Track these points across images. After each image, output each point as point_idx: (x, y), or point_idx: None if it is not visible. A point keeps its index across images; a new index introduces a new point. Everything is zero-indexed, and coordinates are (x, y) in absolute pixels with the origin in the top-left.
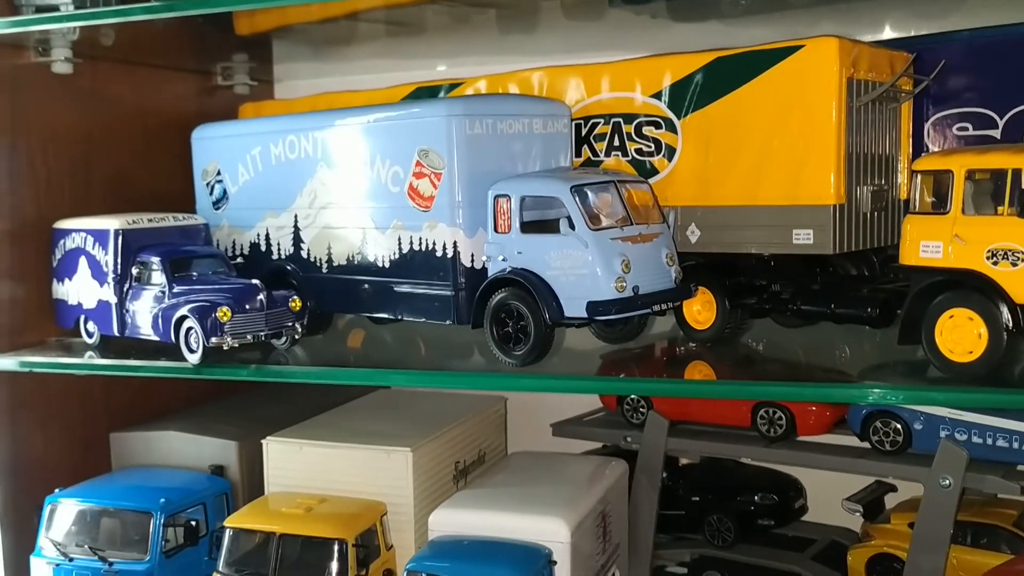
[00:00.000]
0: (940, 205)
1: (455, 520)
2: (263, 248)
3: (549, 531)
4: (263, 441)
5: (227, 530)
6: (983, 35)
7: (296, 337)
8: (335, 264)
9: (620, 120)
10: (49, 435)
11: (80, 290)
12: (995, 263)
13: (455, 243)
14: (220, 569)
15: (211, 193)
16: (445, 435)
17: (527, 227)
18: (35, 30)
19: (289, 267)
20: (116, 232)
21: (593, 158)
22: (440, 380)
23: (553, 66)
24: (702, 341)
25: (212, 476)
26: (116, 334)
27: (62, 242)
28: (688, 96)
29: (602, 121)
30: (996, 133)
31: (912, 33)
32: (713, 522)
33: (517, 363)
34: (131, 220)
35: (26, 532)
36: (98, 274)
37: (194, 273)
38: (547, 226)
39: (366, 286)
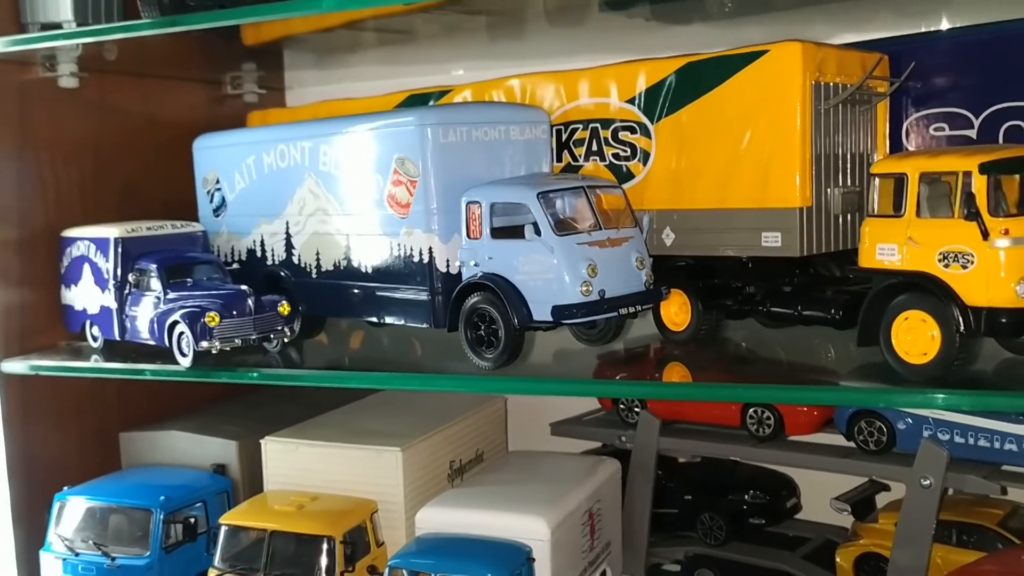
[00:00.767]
0: (897, 208)
1: (441, 518)
2: (258, 254)
3: (529, 529)
4: (261, 441)
5: (223, 527)
6: (958, 35)
7: (285, 340)
8: (324, 270)
9: (598, 125)
10: (62, 435)
11: (85, 296)
12: (946, 266)
13: (430, 249)
14: (216, 564)
15: (211, 201)
16: (439, 434)
17: (497, 233)
18: (39, 47)
19: (282, 273)
20: (116, 240)
21: (573, 163)
22: (417, 382)
23: (532, 73)
24: (678, 343)
25: (214, 475)
26: (117, 338)
27: (68, 250)
28: (661, 101)
29: (581, 126)
30: (972, 133)
31: (907, 32)
32: (705, 520)
33: (489, 366)
34: (130, 228)
35: (38, 528)
36: (100, 280)
37: (189, 279)
38: (516, 232)
39: (352, 291)
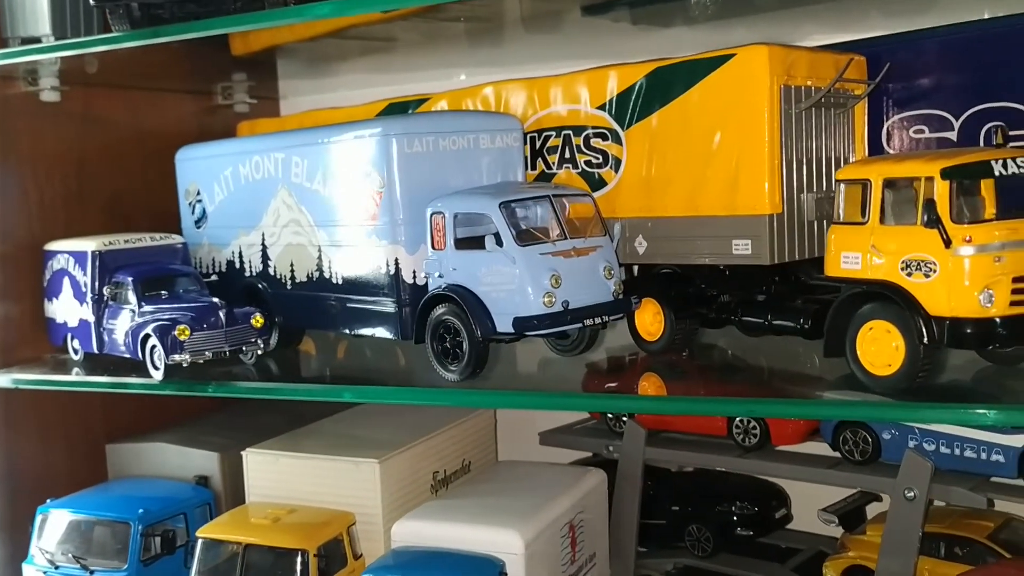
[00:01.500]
0: (862, 215)
1: (417, 531)
2: (237, 266)
3: (503, 543)
4: (243, 453)
5: (200, 540)
6: (938, 35)
7: (259, 352)
8: (298, 281)
9: (570, 132)
10: (49, 447)
11: (65, 309)
12: (909, 274)
13: (396, 260)
14: None
15: (193, 212)
16: (421, 445)
17: (461, 243)
18: (16, 62)
19: (260, 284)
20: (93, 254)
21: (547, 171)
22: (390, 396)
23: (506, 80)
24: (652, 353)
25: (196, 486)
26: (96, 351)
27: (50, 263)
28: (631, 107)
29: (554, 134)
30: (953, 135)
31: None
32: (693, 532)
33: (455, 378)
34: (108, 242)
35: (23, 541)
36: (79, 294)
37: (165, 292)
38: (479, 242)
39: (325, 302)
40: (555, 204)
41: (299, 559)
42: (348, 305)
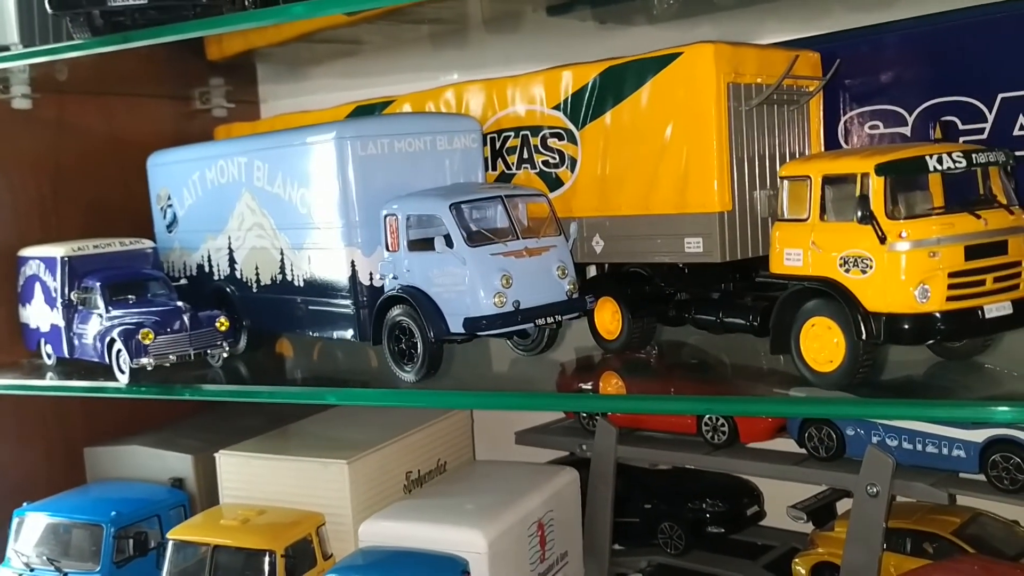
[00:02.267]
0: (804, 211)
1: (384, 531)
2: (206, 269)
3: (467, 542)
4: (216, 454)
5: (170, 541)
6: (892, 30)
7: (224, 356)
8: (262, 284)
9: (528, 133)
10: (27, 451)
11: (38, 314)
12: (847, 270)
13: (353, 262)
14: None
15: (164, 217)
16: (393, 445)
17: (414, 245)
18: None
19: (228, 288)
20: (62, 259)
21: (507, 171)
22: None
23: (463, 81)
24: (612, 351)
25: (171, 489)
26: (67, 356)
27: (23, 269)
28: (585, 106)
29: (512, 134)
30: (907, 130)
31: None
32: (665, 530)
33: (411, 379)
34: (77, 247)
35: (2, 544)
36: (49, 299)
37: (132, 296)
38: (431, 244)
39: (287, 305)
40: (507, 204)
41: (267, 559)
42: (310, 308)
